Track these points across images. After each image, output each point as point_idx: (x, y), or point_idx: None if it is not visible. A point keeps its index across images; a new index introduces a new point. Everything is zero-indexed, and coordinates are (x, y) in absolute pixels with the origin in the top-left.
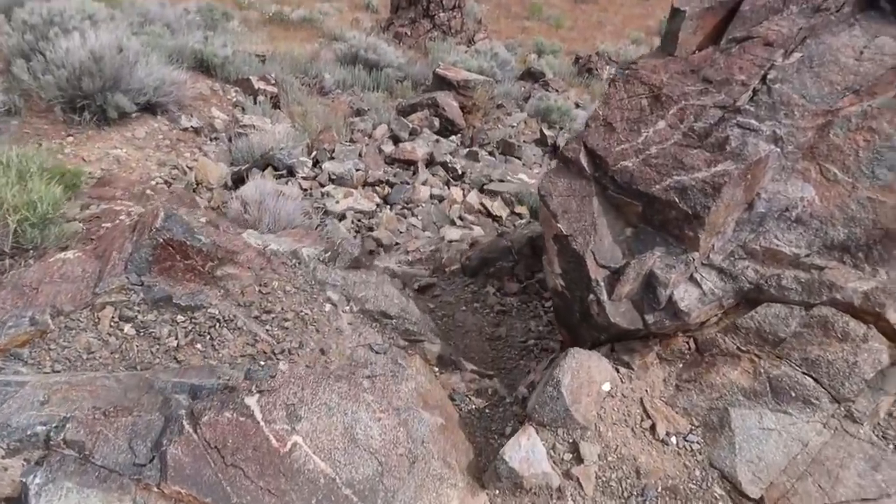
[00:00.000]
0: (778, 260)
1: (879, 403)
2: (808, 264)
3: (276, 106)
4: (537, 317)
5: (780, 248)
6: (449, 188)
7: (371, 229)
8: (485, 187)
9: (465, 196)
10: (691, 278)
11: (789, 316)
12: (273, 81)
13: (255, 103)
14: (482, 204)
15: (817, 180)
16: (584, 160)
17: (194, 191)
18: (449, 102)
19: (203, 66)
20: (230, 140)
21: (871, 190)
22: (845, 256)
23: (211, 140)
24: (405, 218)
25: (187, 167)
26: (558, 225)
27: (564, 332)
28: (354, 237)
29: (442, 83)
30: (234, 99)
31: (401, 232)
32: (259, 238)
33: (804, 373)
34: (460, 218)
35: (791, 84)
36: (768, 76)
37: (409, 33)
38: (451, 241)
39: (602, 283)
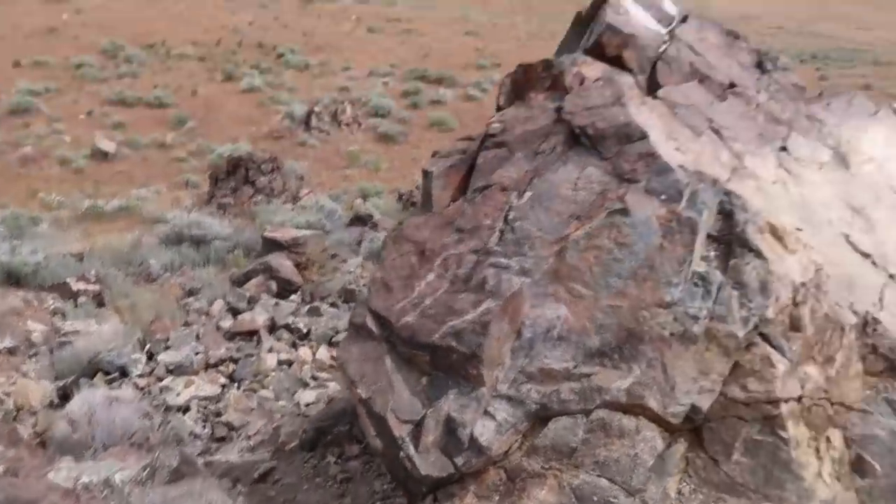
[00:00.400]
0: (553, 377)
1: (667, 486)
2: (578, 374)
3: (100, 304)
4: (382, 475)
5: (552, 366)
6: (297, 350)
7: (219, 414)
8: (332, 340)
9: (314, 354)
10: (486, 412)
11: (575, 425)
12: (94, 279)
13: (77, 306)
14: (333, 358)
15: (567, 299)
16: (370, 324)
17: (14, 419)
18: (282, 263)
19: (13, 279)
20: (52, 352)
21: (609, 298)
22: (605, 360)
23: (30, 357)
24: (255, 392)
25: (4, 394)
26: (358, 391)
27: (402, 488)
28: (203, 427)
29: (273, 245)
30: (53, 306)
31: (252, 408)
32: (74, 469)
33: (598, 475)
34: (313, 378)
35: (528, 220)
36: (509, 216)
37: (232, 203)
38: (308, 405)
39: (408, 439)
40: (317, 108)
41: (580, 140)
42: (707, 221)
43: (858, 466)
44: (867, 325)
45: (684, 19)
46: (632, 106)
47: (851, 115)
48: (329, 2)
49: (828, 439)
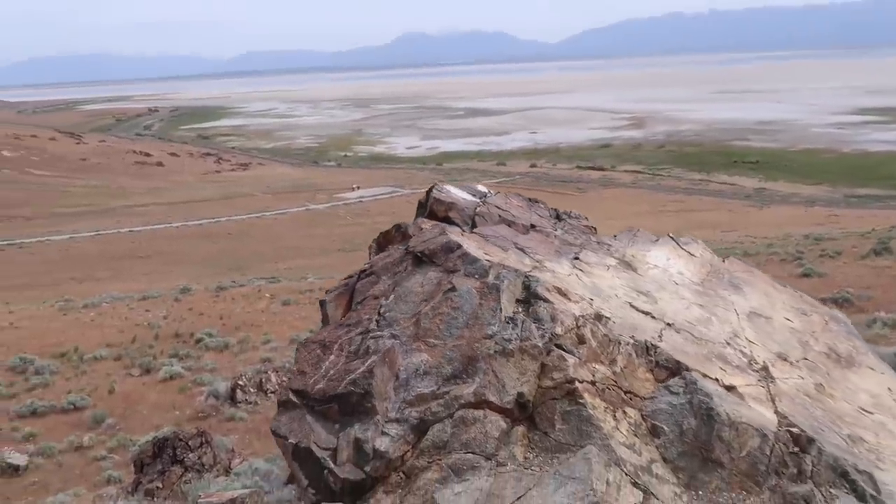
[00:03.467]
0: (424, 399)
1: (514, 450)
2: (441, 393)
3: None
4: None
5: (423, 391)
6: None
7: None
8: None
9: None
10: (382, 432)
11: (444, 426)
12: None
13: None
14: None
15: (426, 349)
16: (293, 397)
17: None
18: None
19: None
20: None
21: (453, 342)
22: (457, 380)
23: None
24: None
25: None
26: (290, 441)
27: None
28: None
29: None
30: None
31: None
32: None
33: (465, 452)
34: None
35: (394, 310)
36: (381, 311)
37: (161, 486)
38: None
39: (328, 458)
40: (241, 382)
41: (422, 260)
42: (510, 289)
43: (653, 430)
44: (649, 349)
45: (496, 195)
46: (453, 235)
47: (636, 242)
48: (240, 286)
49: (624, 412)
